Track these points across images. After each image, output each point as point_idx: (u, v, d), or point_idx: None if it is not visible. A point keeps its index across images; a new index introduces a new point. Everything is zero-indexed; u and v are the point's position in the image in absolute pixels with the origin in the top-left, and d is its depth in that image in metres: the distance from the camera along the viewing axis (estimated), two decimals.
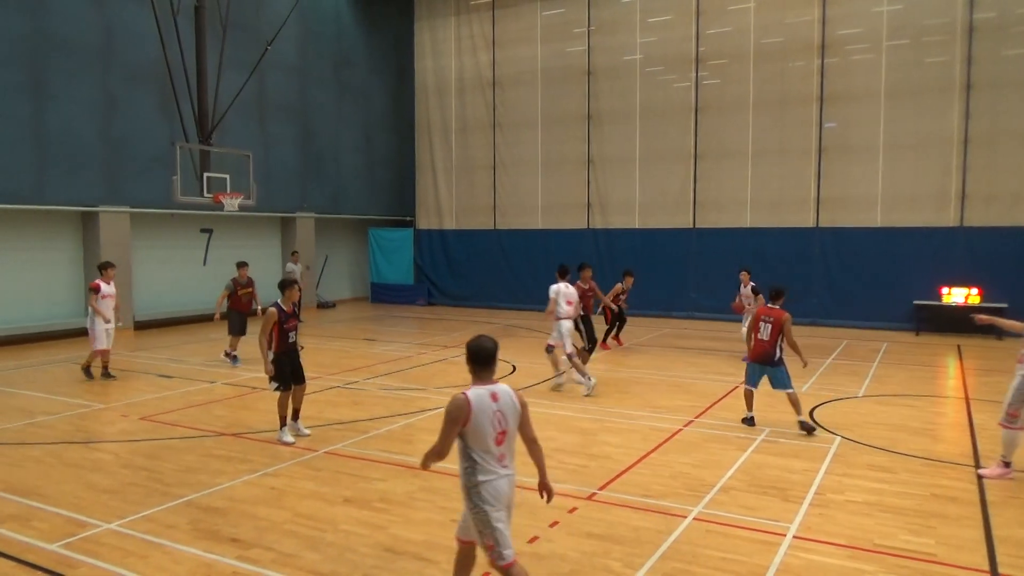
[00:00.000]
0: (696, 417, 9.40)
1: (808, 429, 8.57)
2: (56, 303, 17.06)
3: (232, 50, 16.71)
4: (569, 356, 10.95)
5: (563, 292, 11.27)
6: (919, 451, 7.93)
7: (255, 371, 12.70)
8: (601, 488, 6.75)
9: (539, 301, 23.00)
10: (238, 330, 13.43)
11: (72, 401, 10.48)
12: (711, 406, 10.01)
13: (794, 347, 8.89)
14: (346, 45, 24.36)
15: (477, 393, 4.15)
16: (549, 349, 11.52)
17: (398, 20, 25.71)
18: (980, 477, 7.06)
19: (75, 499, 6.53)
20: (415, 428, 8.98)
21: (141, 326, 18.26)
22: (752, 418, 9.03)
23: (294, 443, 8.21)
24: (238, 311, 13.42)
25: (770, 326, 8.94)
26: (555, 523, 5.92)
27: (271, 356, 8.26)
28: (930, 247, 17.68)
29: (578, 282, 12.03)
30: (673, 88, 20.66)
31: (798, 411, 8.72)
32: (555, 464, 7.45)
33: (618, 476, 7.10)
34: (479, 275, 23.85)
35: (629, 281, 14.93)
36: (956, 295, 17.03)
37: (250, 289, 13.61)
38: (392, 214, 26.54)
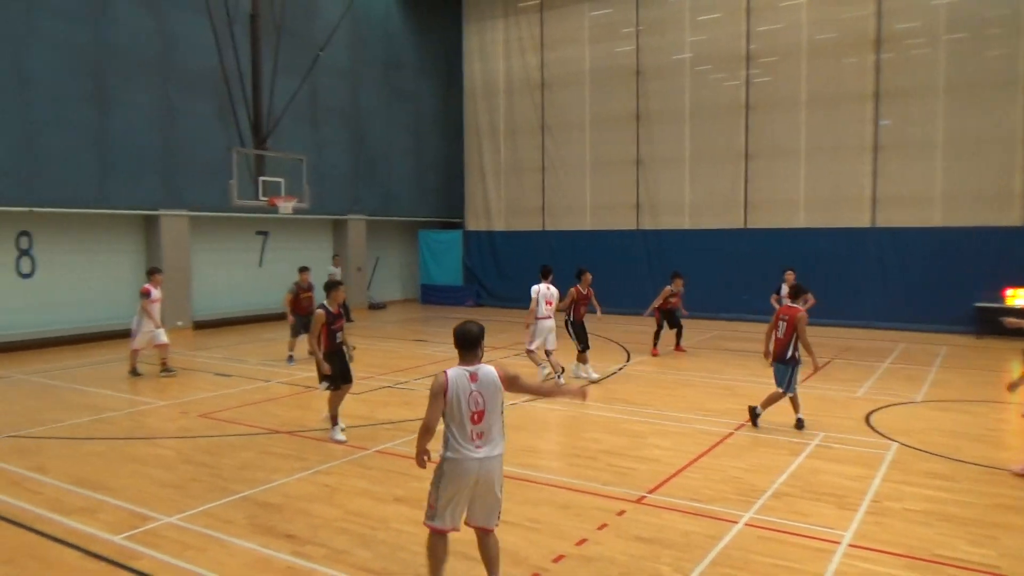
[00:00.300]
0: (747, 421, 9.25)
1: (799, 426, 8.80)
2: (118, 303, 17.66)
3: (286, 56, 17.09)
4: (529, 351, 11.51)
5: (543, 293, 11.64)
6: (981, 459, 7.67)
7: (309, 371, 12.96)
8: (650, 491, 6.71)
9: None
10: (299, 332, 13.53)
11: (135, 398, 10.86)
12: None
13: (807, 347, 8.78)
14: (395, 49, 24.68)
15: (456, 372, 4.45)
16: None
17: (446, 23, 25.94)
18: (1013, 474, 7.02)
19: (138, 493, 6.77)
20: None
21: (199, 326, 18.80)
22: (801, 420, 8.88)
23: (346, 442, 8.36)
24: (300, 314, 13.53)
25: (785, 324, 8.87)
26: (603, 525, 5.91)
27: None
28: (992, 247, 17.04)
29: (578, 286, 12.25)
30: (723, 87, 20.37)
31: (795, 410, 8.93)
32: (603, 466, 7.43)
33: (668, 480, 7.04)
34: (527, 276, 23.64)
35: (678, 283, 14.71)
36: (1021, 297, 16.39)
37: (311, 293, 13.83)
38: (441, 216, 26.77)
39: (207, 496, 6.67)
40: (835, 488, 6.77)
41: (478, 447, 4.39)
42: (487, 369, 4.50)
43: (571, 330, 12.08)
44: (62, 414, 9.87)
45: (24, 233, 15.88)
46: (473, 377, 4.41)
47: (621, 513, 6.18)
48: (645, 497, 6.57)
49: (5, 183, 14.87)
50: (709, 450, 8.02)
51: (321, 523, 6.03)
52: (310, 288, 13.83)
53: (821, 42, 18.93)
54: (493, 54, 24.73)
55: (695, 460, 7.67)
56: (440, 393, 4.40)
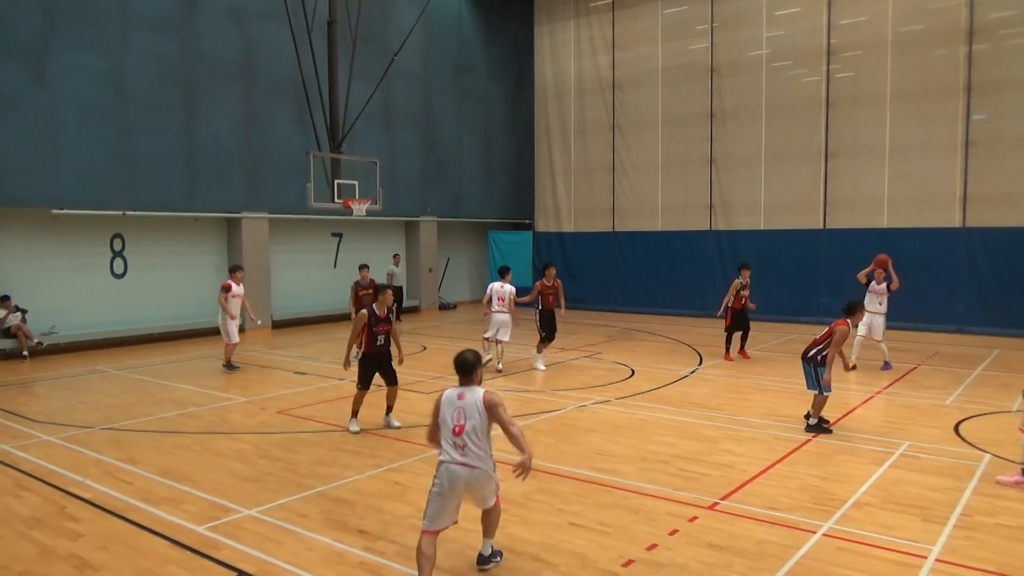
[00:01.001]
0: (829, 425, 8.93)
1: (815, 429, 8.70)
2: (203, 302, 18.42)
3: (361, 62, 17.50)
4: (484, 338, 13.10)
5: (496, 290, 13.04)
6: None
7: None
8: (723, 498, 6.56)
9: (659, 304, 22.73)
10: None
11: (218, 394, 11.30)
12: (843, 416, 9.49)
13: (831, 359, 8.66)
14: (467, 52, 24.92)
15: (449, 392, 5.15)
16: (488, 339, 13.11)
17: (517, 26, 26.04)
18: (998, 483, 6.84)
19: (219, 485, 7.04)
20: (533, 430, 9.05)
21: (277, 325, 19.43)
22: (809, 416, 8.86)
23: (359, 432, 8.81)
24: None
25: (825, 328, 8.91)
26: (675, 531, 5.81)
27: (358, 354, 9.03)
28: None
29: (542, 280, 13.40)
30: (802, 83, 19.76)
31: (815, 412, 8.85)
32: (674, 471, 7.31)
33: (741, 486, 6.87)
34: (597, 278, 23.73)
35: (746, 275, 14.25)
36: None
37: (371, 291, 13.77)
38: (511, 217, 26.88)
39: (283, 490, 6.88)
40: (921, 500, 6.46)
41: (461, 456, 4.98)
42: (475, 391, 5.08)
43: (538, 319, 13.21)
44: (151, 408, 10.36)
45: (117, 235, 16.74)
46: (460, 396, 5.08)
47: (693, 519, 6.06)
48: (718, 503, 6.42)
49: (103, 188, 15.72)
50: (785, 457, 7.78)
51: (392, 520, 6.13)
52: (370, 285, 14.05)
53: (908, 34, 18.13)
54: (564, 55, 24.68)
55: (770, 467, 7.45)
56: (435, 408, 5.19)
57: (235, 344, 13.23)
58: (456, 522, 5.09)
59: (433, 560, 4.92)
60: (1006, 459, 7.57)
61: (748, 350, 14.43)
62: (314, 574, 5.14)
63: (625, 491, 6.75)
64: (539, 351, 13.23)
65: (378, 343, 8.90)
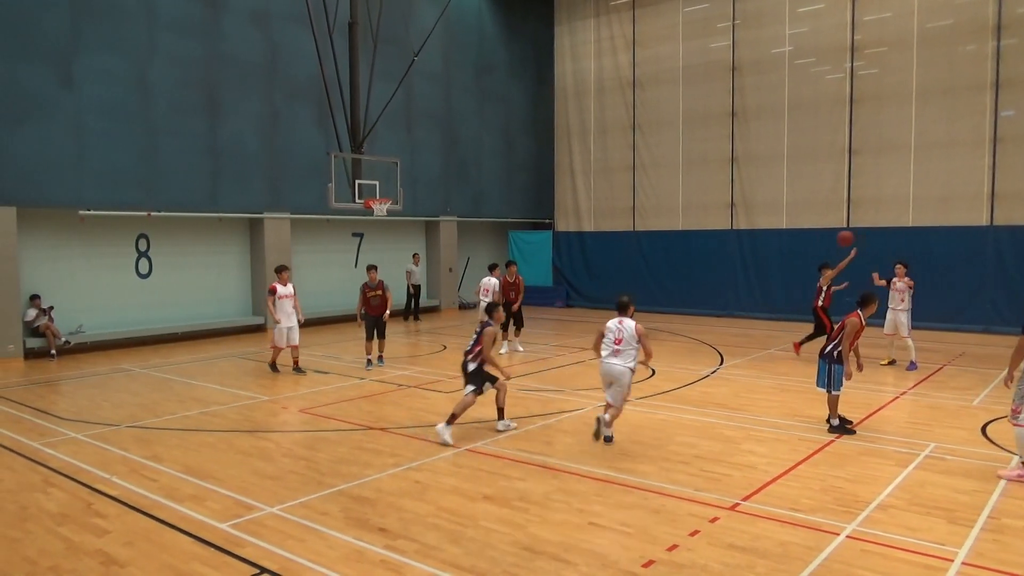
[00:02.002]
0: (853, 426, 8.83)
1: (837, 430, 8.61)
2: (226, 302, 18.67)
3: (382, 62, 17.59)
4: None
5: (483, 283, 15.22)
6: None
7: (401, 369, 13.29)
8: (745, 499, 6.50)
9: (679, 304, 22.61)
10: (369, 334, 13.33)
11: (241, 393, 11.41)
12: (867, 417, 9.38)
13: (845, 354, 8.60)
14: (487, 52, 24.95)
15: (612, 320, 8.42)
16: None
17: (537, 25, 26.03)
18: (999, 478, 6.88)
19: (242, 483, 7.11)
20: (553, 429, 9.04)
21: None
22: (829, 421, 8.77)
23: (451, 444, 8.26)
24: (371, 315, 13.22)
25: (838, 324, 8.85)
26: (696, 532, 5.77)
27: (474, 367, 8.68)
28: None
29: (504, 276, 15.14)
30: (825, 80, 19.54)
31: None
32: (696, 471, 7.26)
33: (763, 487, 6.81)
34: (618, 277, 23.62)
35: (827, 275, 14.11)
36: None
37: (379, 292, 13.33)
38: (531, 216, 26.87)
39: (305, 488, 6.93)
40: (947, 502, 6.37)
41: (616, 358, 8.15)
42: (629, 323, 8.28)
43: (509, 312, 14.61)
44: (175, 406, 10.49)
45: (142, 236, 16.97)
46: (620, 322, 8.26)
47: (714, 520, 6.02)
48: (739, 504, 6.37)
49: (128, 189, 15.95)
50: (808, 458, 7.71)
51: (412, 518, 6.15)
52: (378, 287, 13.30)
53: (934, 29, 17.87)
54: (584, 54, 24.62)
55: (793, 468, 7.38)
56: (601, 329, 8.37)
57: (279, 348, 12.82)
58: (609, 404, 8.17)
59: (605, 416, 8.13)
60: None
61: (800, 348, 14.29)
62: (335, 572, 5.18)
63: (646, 491, 6.72)
64: (503, 338, 14.89)
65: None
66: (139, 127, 16.07)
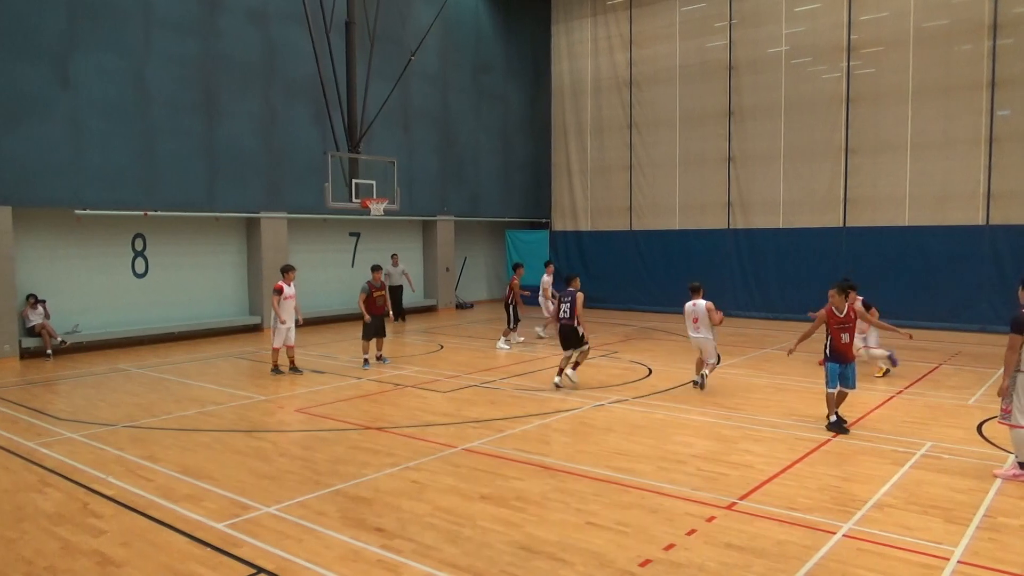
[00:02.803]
0: (849, 426, 8.84)
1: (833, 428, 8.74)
2: (224, 302, 18.64)
3: (379, 62, 17.56)
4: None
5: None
6: None
7: (398, 369, 13.28)
8: (742, 498, 6.51)
9: (676, 303, 22.52)
10: (371, 334, 13.46)
11: (237, 392, 11.40)
12: (863, 416, 9.40)
13: (802, 338, 9.27)
14: (484, 51, 24.94)
15: (688, 303, 10.97)
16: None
17: (534, 24, 26.03)
18: (995, 477, 6.94)
19: (239, 483, 7.10)
20: (550, 429, 9.05)
21: (296, 324, 19.51)
22: (843, 421, 8.88)
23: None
24: (374, 314, 13.38)
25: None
26: (693, 531, 5.78)
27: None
28: None
29: (513, 277, 16.59)
30: (821, 80, 19.57)
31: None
32: (693, 471, 7.27)
33: (760, 486, 6.82)
34: (615, 277, 23.66)
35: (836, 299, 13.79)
36: None
37: (383, 292, 13.58)
38: (528, 216, 26.87)
39: (302, 488, 6.92)
40: (943, 501, 6.38)
41: (696, 332, 10.79)
42: (701, 303, 10.75)
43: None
44: (172, 406, 10.47)
45: (139, 235, 16.93)
46: (693, 304, 10.75)
47: (711, 519, 6.03)
48: (736, 504, 6.38)
49: (125, 188, 15.90)
50: (804, 457, 7.72)
51: (410, 518, 6.15)
52: (383, 287, 13.61)
53: (930, 29, 17.90)
54: (581, 53, 24.63)
55: (789, 467, 7.39)
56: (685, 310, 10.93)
57: (289, 347, 12.84)
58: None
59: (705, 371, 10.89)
60: None
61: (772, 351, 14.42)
62: (332, 571, 5.17)
63: (643, 491, 6.72)
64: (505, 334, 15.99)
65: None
66: (136, 127, 16.03)
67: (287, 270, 12.99)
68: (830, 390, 8.74)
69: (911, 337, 10.70)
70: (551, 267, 17.96)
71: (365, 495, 6.72)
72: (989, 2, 17.08)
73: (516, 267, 17.05)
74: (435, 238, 23.74)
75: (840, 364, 8.72)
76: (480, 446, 8.24)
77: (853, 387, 8.86)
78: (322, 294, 20.60)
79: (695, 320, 10.91)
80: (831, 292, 8.83)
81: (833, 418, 8.75)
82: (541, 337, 16.90)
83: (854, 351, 9.01)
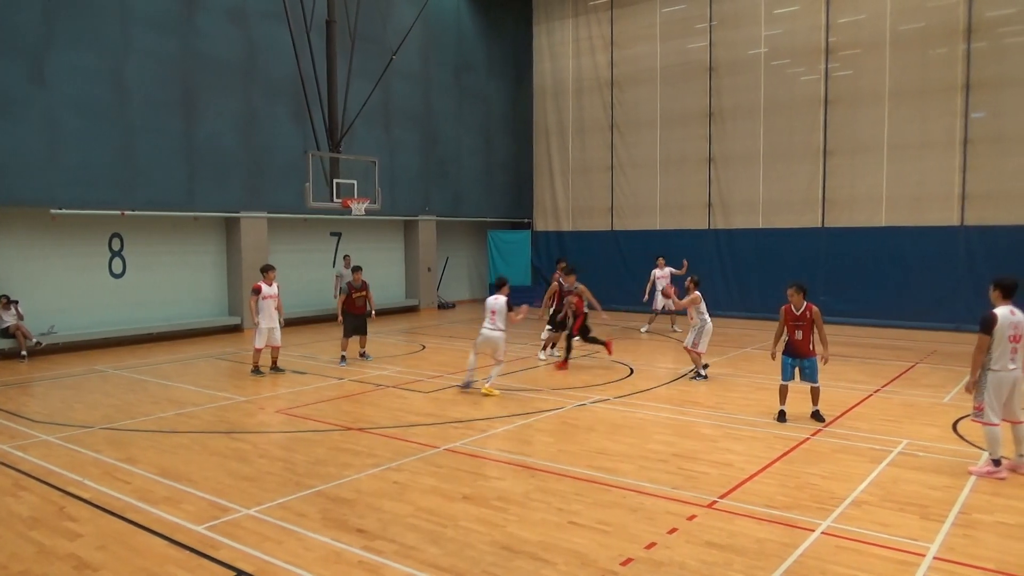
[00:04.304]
0: (825, 426, 8.95)
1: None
2: (203, 302, 18.46)
3: (360, 61, 17.49)
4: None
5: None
6: None
7: (380, 369, 13.23)
8: (722, 496, 6.56)
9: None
10: (351, 332, 13.75)
11: (217, 394, 11.30)
12: (841, 415, 9.51)
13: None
14: (466, 51, 24.91)
15: (492, 296, 11.03)
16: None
17: (516, 25, 26.05)
18: (970, 473, 7.08)
19: (218, 485, 7.04)
20: (532, 429, 9.06)
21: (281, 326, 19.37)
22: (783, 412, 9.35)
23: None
24: (353, 314, 13.70)
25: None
26: (673, 530, 5.81)
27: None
28: None
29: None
30: (800, 81, 19.76)
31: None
32: (674, 470, 7.31)
33: (740, 484, 6.87)
34: (596, 277, 23.54)
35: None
36: None
37: (364, 292, 13.82)
38: (510, 216, 26.88)
39: (282, 490, 6.88)
40: (919, 498, 6.47)
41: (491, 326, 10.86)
42: (502, 298, 10.82)
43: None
44: (150, 408, 10.36)
45: (116, 235, 16.72)
46: (495, 298, 10.79)
47: (692, 518, 6.07)
48: (717, 502, 6.43)
49: (102, 188, 15.69)
50: (784, 455, 7.79)
51: (391, 519, 6.13)
52: (363, 288, 13.82)
53: (906, 32, 18.15)
54: (562, 53, 24.69)
55: (769, 465, 7.46)
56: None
57: (259, 349, 12.69)
58: None
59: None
60: (1005, 457, 7.56)
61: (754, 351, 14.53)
62: (313, 573, 5.14)
63: (624, 490, 6.75)
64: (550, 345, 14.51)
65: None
66: (113, 125, 15.83)
67: (266, 270, 12.88)
68: (781, 382, 9.27)
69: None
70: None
71: (346, 496, 6.69)
72: (963, 6, 17.34)
73: (570, 270, 13.87)
74: (417, 238, 23.67)
75: (792, 358, 9.20)
76: (462, 446, 8.23)
77: (813, 381, 9.21)
78: (303, 294, 20.47)
79: (493, 313, 10.99)
80: (790, 291, 9.26)
81: (781, 409, 9.27)
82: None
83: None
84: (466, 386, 11.23)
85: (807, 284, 9.61)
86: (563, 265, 14.30)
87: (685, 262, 17.89)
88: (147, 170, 16.44)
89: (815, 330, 9.12)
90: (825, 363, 9.19)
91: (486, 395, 10.75)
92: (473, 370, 11.30)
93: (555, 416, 9.67)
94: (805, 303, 9.18)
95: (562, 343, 13.59)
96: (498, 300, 11.14)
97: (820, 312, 9.23)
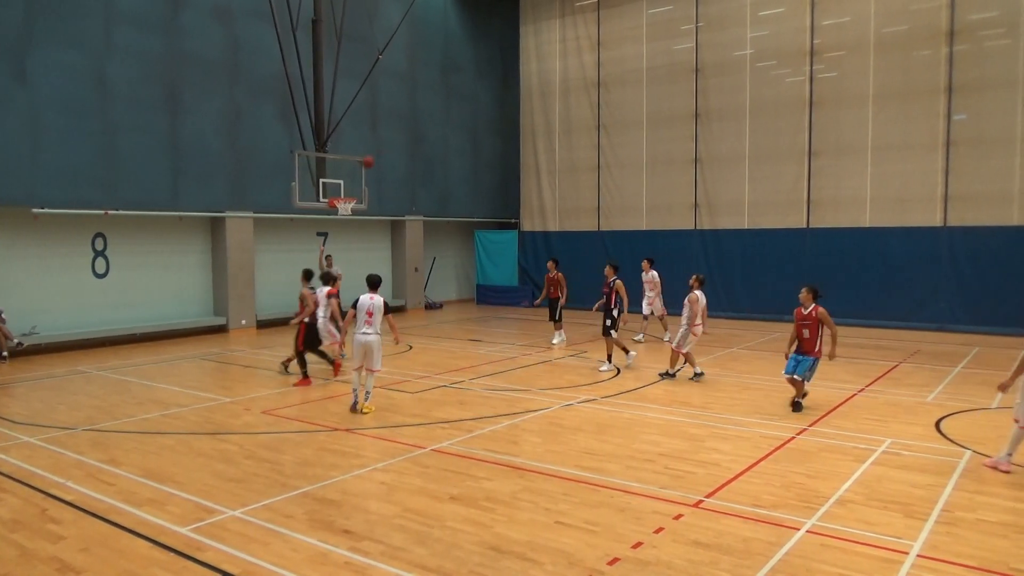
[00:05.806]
0: (810, 425, 9.02)
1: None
2: (188, 302, 18.32)
3: (346, 60, 17.42)
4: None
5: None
6: None
7: None
8: (708, 496, 6.59)
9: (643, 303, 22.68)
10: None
11: (202, 394, 11.22)
12: (826, 414, 9.57)
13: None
14: (453, 51, 24.89)
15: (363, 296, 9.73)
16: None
17: (503, 25, 26.05)
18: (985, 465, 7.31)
19: (204, 486, 6.98)
20: (519, 429, 9.06)
21: (263, 325, 19.31)
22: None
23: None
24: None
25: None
26: (660, 529, 5.83)
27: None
28: None
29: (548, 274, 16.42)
30: (785, 83, 19.89)
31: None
32: (660, 469, 7.34)
33: (726, 484, 6.91)
34: (583, 277, 23.68)
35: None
36: None
37: (337, 293, 13.50)
38: (497, 216, 26.88)
39: (268, 491, 6.84)
40: (903, 496, 6.53)
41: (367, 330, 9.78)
42: (379, 297, 9.80)
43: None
44: (134, 409, 10.27)
45: (99, 235, 16.56)
46: (371, 298, 9.76)
47: (678, 517, 6.09)
48: (703, 501, 6.45)
49: (85, 187, 15.53)
50: (769, 454, 7.84)
51: (378, 520, 6.11)
52: (333, 284, 13.56)
53: (890, 35, 18.30)
54: (549, 54, 24.72)
55: (755, 464, 7.50)
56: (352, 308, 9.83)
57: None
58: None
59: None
60: (987, 455, 7.65)
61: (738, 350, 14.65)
62: (299, 575, 5.12)
63: (611, 489, 6.77)
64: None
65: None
66: (96, 124, 15.68)
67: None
68: (784, 375, 9.83)
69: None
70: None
71: (333, 497, 6.66)
72: (946, 9, 17.52)
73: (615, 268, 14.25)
74: (404, 238, 23.62)
75: (796, 354, 9.77)
76: (449, 447, 8.22)
77: (799, 376, 9.68)
78: (289, 295, 20.27)
79: (369, 315, 9.66)
80: (801, 293, 9.93)
81: (799, 401, 9.74)
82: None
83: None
84: (354, 407, 9.91)
85: (820, 288, 10.07)
86: (612, 263, 14.19)
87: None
88: (131, 169, 16.29)
89: (822, 331, 9.64)
90: (831, 359, 9.79)
91: (365, 413, 9.72)
92: (358, 390, 10.03)
93: (542, 416, 9.68)
94: (813, 304, 9.72)
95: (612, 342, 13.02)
96: (375, 300, 9.78)
97: (828, 312, 9.68)
